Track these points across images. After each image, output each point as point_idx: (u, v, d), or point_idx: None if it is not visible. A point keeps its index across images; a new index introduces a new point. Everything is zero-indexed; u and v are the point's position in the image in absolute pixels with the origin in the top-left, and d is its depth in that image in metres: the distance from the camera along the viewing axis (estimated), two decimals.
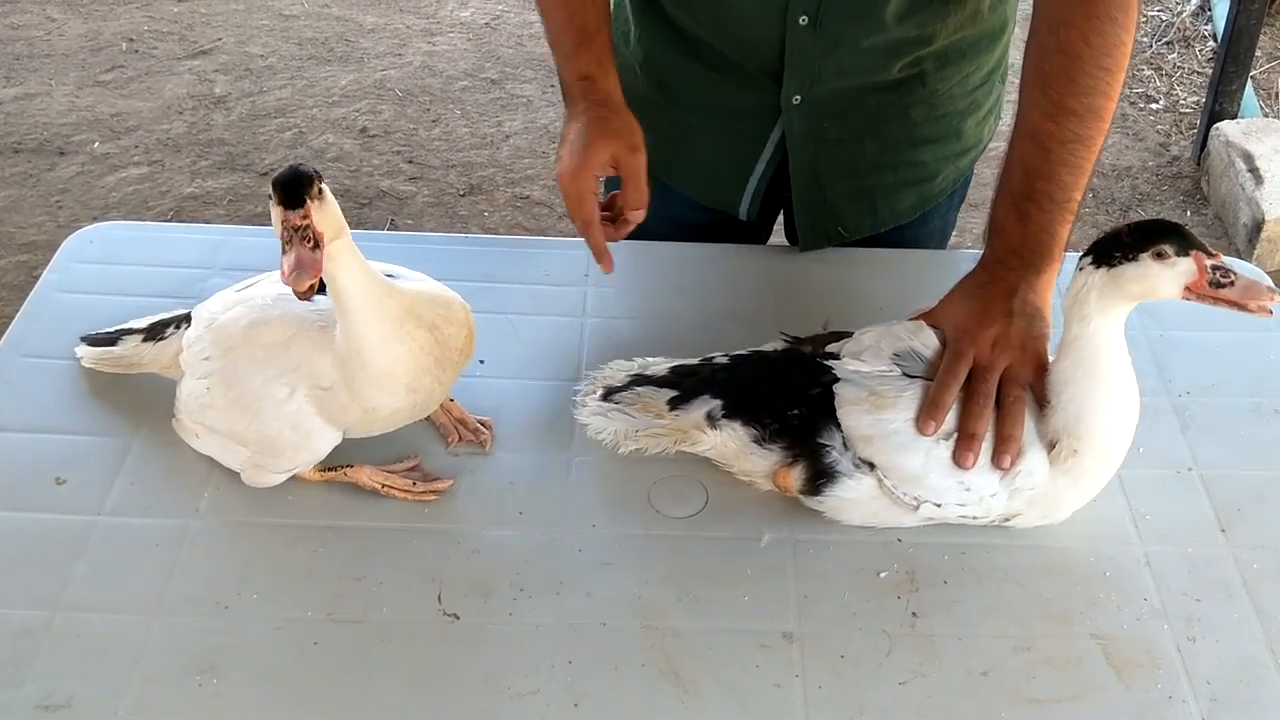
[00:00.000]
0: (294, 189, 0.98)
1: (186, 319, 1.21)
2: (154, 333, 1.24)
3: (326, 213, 0.99)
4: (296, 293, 0.97)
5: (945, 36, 1.34)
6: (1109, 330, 1.07)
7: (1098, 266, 1.06)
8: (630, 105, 1.49)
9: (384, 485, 1.15)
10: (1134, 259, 1.04)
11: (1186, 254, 1.03)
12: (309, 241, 0.97)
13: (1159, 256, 1.03)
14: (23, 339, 1.32)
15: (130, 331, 1.26)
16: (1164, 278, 1.04)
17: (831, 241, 1.48)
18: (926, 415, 1.10)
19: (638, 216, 1.32)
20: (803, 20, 1.29)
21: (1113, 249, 1.05)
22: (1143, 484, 1.19)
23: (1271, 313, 1.02)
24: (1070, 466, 1.10)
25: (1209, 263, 1.03)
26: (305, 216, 0.97)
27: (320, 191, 0.99)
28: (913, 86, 1.38)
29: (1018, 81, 1.22)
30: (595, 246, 1.30)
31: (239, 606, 1.06)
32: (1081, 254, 1.08)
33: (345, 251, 1.03)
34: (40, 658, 1.01)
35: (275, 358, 1.11)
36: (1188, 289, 1.04)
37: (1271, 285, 1.03)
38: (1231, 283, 1.03)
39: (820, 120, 1.39)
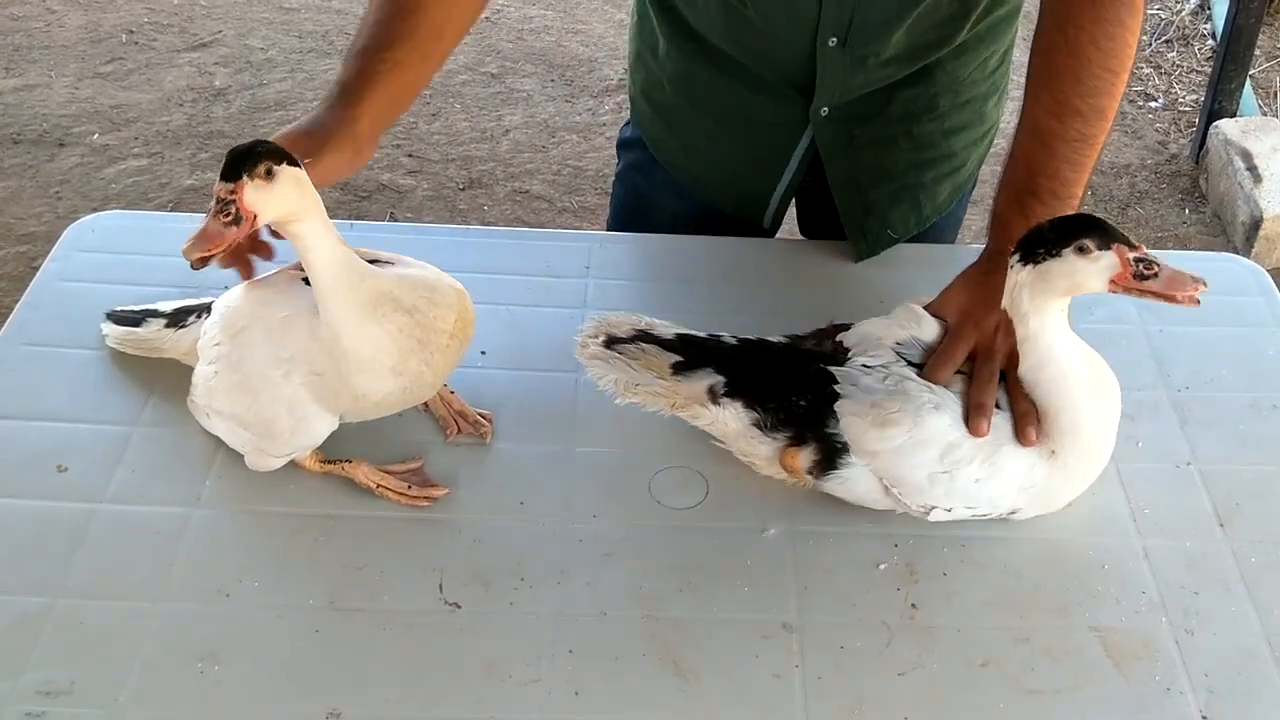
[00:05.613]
0: (235, 162, 0.98)
1: (208, 309, 1.21)
2: (177, 319, 1.24)
3: (272, 196, 0.99)
4: (189, 261, 0.98)
5: (966, 33, 1.35)
6: (1051, 328, 1.07)
7: (1024, 264, 1.05)
8: (661, 116, 1.49)
9: (379, 485, 1.15)
10: (1057, 255, 1.03)
11: (1109, 247, 1.02)
12: (228, 216, 0.98)
13: (1081, 251, 1.02)
14: (24, 327, 1.32)
15: (156, 314, 1.26)
16: (1089, 272, 1.03)
17: (884, 246, 1.47)
18: (932, 374, 1.12)
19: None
20: (832, 42, 1.30)
21: (1036, 246, 1.05)
22: (1141, 478, 1.19)
23: (1199, 302, 1.02)
24: (1054, 466, 1.10)
25: (1131, 255, 1.02)
26: (233, 192, 0.98)
27: (269, 173, 0.98)
28: (934, 75, 1.39)
29: (1020, 78, 1.22)
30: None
31: (240, 594, 1.06)
32: (1011, 252, 1.07)
33: (314, 235, 1.03)
34: (41, 645, 1.02)
35: (274, 343, 1.12)
36: (1113, 282, 1.03)
37: (1196, 275, 1.02)
38: (1155, 274, 1.02)
39: (850, 128, 1.40)
